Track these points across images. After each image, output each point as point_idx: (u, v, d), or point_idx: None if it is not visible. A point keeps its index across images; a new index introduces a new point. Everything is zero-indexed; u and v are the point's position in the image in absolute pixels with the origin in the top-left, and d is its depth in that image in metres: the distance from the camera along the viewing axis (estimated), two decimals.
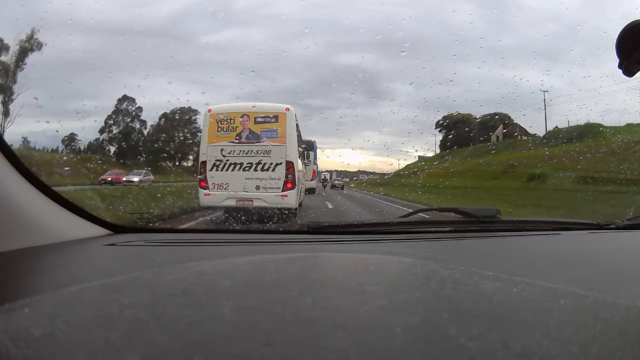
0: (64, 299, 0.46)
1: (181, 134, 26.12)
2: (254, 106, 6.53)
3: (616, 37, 0.90)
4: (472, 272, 0.61)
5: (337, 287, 0.52)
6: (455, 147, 26.12)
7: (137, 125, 29.19)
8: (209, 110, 6.52)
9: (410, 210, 1.80)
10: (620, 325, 0.41)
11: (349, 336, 0.35)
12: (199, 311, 0.41)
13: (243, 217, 6.13)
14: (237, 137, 6.37)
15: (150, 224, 1.81)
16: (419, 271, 0.63)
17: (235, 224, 4.77)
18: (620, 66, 0.92)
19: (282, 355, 0.32)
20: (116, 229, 1.35)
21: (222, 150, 6.32)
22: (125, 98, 28.52)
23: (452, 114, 24.91)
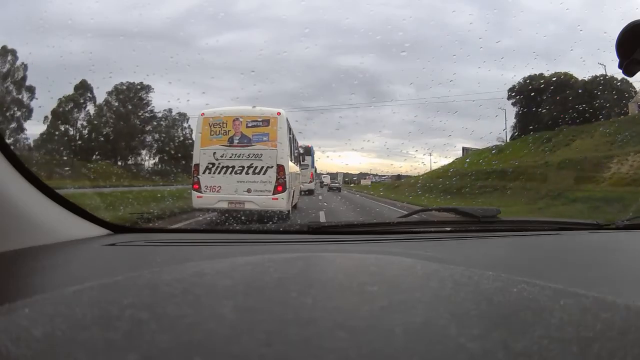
0: (64, 299, 0.46)
1: (124, 119, 18.43)
2: (249, 109, 6.65)
3: (616, 37, 0.90)
4: (472, 272, 0.61)
5: (337, 287, 0.52)
6: (548, 126, 15.52)
7: (22, 96, 17.40)
8: (202, 114, 6.63)
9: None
10: (620, 325, 0.41)
11: (349, 336, 0.35)
12: (199, 311, 0.41)
13: (243, 218, 6.18)
14: (230, 141, 6.49)
15: (151, 224, 1.81)
16: (419, 271, 0.63)
17: (235, 224, 4.78)
18: (620, 66, 0.92)
19: (282, 355, 0.32)
20: (116, 229, 1.35)
21: (214, 153, 6.44)
22: (5, 50, 17.38)
23: (538, 74, 15.13)
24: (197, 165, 6.46)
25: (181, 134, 22.68)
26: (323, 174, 19.45)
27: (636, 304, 0.47)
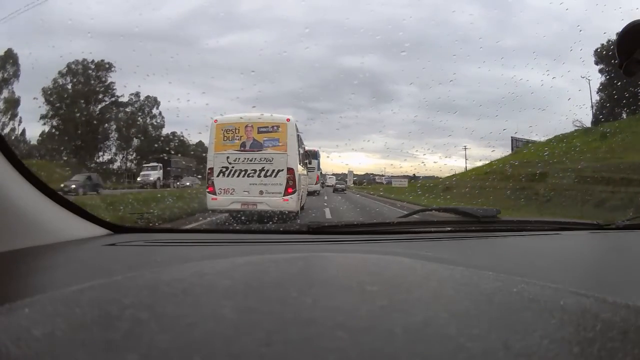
0: (64, 299, 0.46)
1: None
2: (260, 115, 7.09)
3: (616, 37, 0.90)
4: (472, 272, 0.61)
5: (337, 287, 0.52)
6: None
7: None
8: (215, 121, 7.04)
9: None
10: (620, 325, 0.41)
11: (349, 336, 0.35)
12: (199, 311, 0.41)
13: (243, 217, 6.26)
14: (242, 146, 6.91)
15: (150, 224, 1.81)
16: (419, 271, 0.63)
17: (235, 224, 4.80)
18: (620, 66, 0.92)
19: (282, 355, 0.32)
20: (116, 229, 1.35)
21: (228, 157, 6.84)
22: None
23: None
24: (211, 169, 6.86)
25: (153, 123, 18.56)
26: (328, 175, 19.17)
27: (636, 304, 0.47)
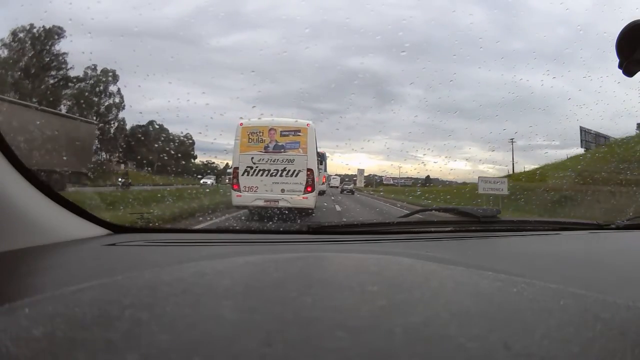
0: (64, 299, 0.46)
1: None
2: (283, 120, 7.75)
3: (616, 37, 0.90)
4: (472, 272, 0.61)
5: (337, 287, 0.52)
6: None
7: None
8: (241, 124, 7.63)
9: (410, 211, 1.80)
10: (620, 325, 0.41)
11: (349, 336, 0.35)
12: (199, 311, 0.41)
13: (243, 218, 6.37)
14: (266, 148, 7.50)
15: (150, 224, 1.81)
16: (419, 271, 0.63)
17: (235, 225, 4.82)
18: (620, 66, 0.92)
19: (282, 355, 0.32)
20: (116, 229, 1.35)
21: (252, 158, 7.42)
22: None
23: None
24: (236, 169, 7.44)
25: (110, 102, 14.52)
26: (332, 176, 19.02)
27: (636, 304, 0.47)
